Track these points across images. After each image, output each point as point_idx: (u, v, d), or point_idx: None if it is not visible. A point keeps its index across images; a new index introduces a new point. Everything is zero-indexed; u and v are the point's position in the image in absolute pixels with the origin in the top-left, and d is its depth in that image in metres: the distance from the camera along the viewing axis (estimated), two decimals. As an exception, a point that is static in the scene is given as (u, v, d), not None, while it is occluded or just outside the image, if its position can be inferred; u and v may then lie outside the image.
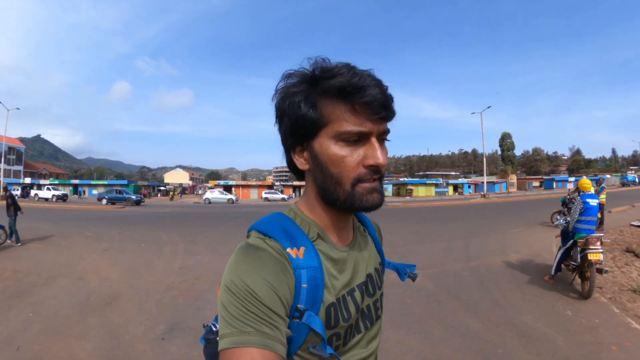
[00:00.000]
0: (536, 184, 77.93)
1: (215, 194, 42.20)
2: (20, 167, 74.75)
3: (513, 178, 72.26)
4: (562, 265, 5.95)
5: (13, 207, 9.85)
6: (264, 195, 49.52)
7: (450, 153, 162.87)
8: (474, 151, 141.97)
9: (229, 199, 40.55)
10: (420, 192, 64.33)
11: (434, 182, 69.83)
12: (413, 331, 4.08)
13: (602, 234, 5.61)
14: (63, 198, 37.57)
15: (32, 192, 39.85)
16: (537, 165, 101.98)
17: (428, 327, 4.22)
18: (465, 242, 9.83)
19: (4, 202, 11.25)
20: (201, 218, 18.58)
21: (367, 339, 0.76)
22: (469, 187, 68.98)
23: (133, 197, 33.38)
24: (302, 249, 0.67)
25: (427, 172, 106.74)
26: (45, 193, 38.19)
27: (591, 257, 5.11)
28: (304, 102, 0.66)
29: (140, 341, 3.86)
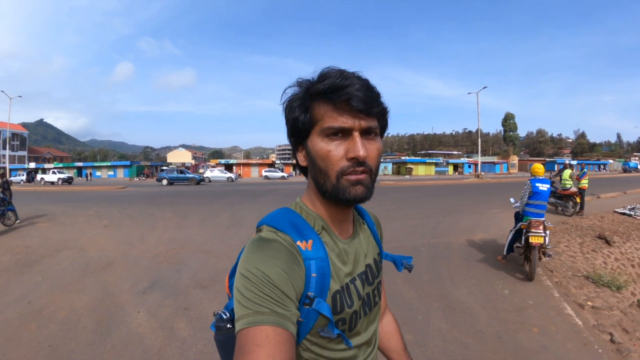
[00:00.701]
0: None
1: (215, 173, 43.20)
2: (25, 153, 76.46)
3: (514, 159, 72.32)
4: (515, 247, 6.00)
5: (8, 192, 10.84)
6: (263, 174, 50.52)
7: (454, 132, 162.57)
8: (479, 130, 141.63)
9: (228, 178, 41.53)
10: (420, 171, 64.99)
11: (434, 161, 70.28)
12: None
13: (543, 218, 5.61)
14: (68, 181, 38.92)
15: (38, 177, 41.17)
16: (540, 147, 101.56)
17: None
18: (439, 220, 10.38)
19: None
20: (197, 196, 19.61)
21: (367, 323, 0.84)
22: (469, 166, 69.38)
23: (196, 176, 34.91)
24: (310, 241, 0.73)
25: (429, 152, 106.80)
26: (50, 177, 39.49)
27: (532, 240, 5.22)
28: (298, 106, 0.75)
29: (125, 294, 4.90)
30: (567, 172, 11.79)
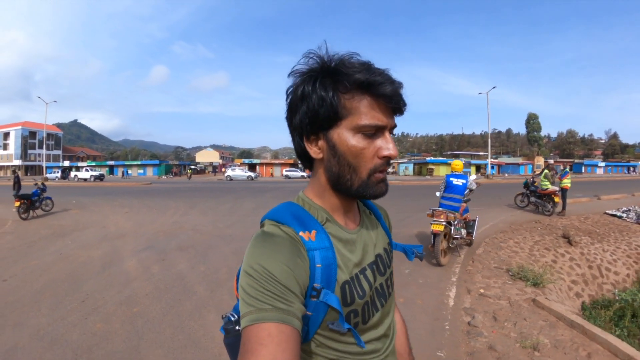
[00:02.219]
0: (565, 167, 76.14)
1: (236, 172, 45.57)
2: (59, 152, 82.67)
3: (539, 160, 71.31)
4: None
5: (17, 185, 13.26)
6: (284, 173, 52.65)
7: (483, 133, 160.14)
8: (509, 131, 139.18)
9: (248, 176, 43.79)
10: (442, 171, 65.15)
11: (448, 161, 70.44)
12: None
13: (441, 209, 6.01)
14: (100, 178, 42.39)
15: (72, 174, 44.96)
16: (570, 148, 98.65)
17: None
18: (408, 215, 10.97)
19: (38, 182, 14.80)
20: (211, 191, 21.77)
21: (383, 315, 0.83)
22: (493, 167, 69.10)
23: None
24: (313, 232, 0.72)
25: (456, 152, 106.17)
26: (83, 174, 43.11)
27: (433, 227, 5.68)
28: (327, 92, 0.70)
29: (126, 252, 6.88)
30: (544, 173, 11.90)
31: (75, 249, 7.10)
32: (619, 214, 11.09)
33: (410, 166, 69.84)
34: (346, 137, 0.72)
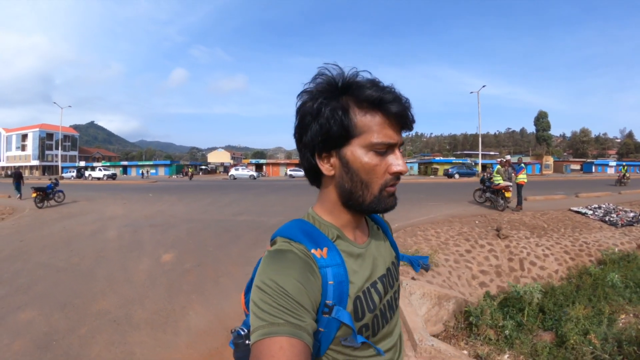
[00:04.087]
0: (576, 166, 75.84)
1: (239, 171, 48.07)
2: (76, 152, 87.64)
3: (549, 160, 71.33)
4: None
5: (17, 178, 17.23)
6: (288, 173, 54.87)
7: (497, 132, 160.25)
8: (523, 130, 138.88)
9: (250, 176, 46.21)
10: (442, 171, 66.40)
11: (460, 161, 71.40)
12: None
13: None
14: (112, 177, 45.65)
15: (87, 173, 48.31)
16: (583, 147, 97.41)
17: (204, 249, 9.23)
18: None
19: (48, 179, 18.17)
20: (206, 188, 24.09)
21: (391, 327, 0.86)
22: (513, 169, 69.40)
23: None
24: (325, 249, 0.75)
25: (466, 152, 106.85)
26: (97, 173, 46.45)
27: None
28: (338, 110, 0.74)
29: (114, 226, 9.34)
30: (496, 168, 12.18)
31: (76, 225, 9.60)
32: (583, 210, 11.01)
33: (415, 166, 71.14)
34: (359, 154, 0.75)
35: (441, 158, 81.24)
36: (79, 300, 4.50)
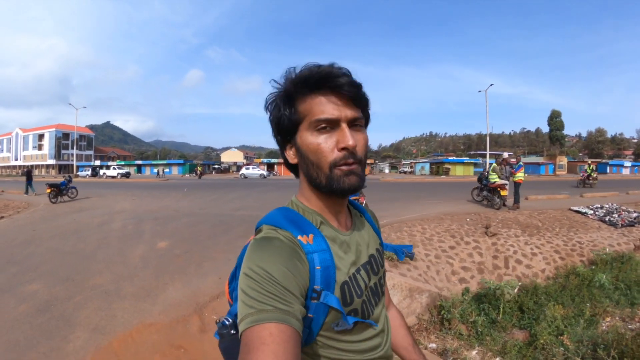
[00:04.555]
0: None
1: (250, 170, 48.90)
2: (91, 152, 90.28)
3: (562, 160, 70.32)
4: None
5: (29, 177, 18.65)
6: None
7: (512, 132, 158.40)
8: (538, 130, 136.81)
9: (260, 174, 47.01)
10: (458, 171, 65.73)
11: (472, 161, 70.93)
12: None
13: None
14: (126, 175, 47.01)
15: (101, 172, 49.78)
16: (599, 147, 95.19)
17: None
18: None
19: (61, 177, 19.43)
20: (214, 186, 24.91)
21: (378, 312, 0.89)
22: (511, 167, 68.85)
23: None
24: (310, 235, 0.76)
25: (479, 152, 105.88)
26: (111, 172, 47.89)
27: None
28: (282, 103, 0.80)
29: (120, 218, 10.08)
30: (492, 166, 12.07)
31: (85, 218, 10.37)
32: (584, 210, 10.70)
33: (427, 166, 70.85)
34: (305, 137, 0.78)
35: (454, 158, 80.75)
36: (79, 276, 5.18)
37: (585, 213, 10.40)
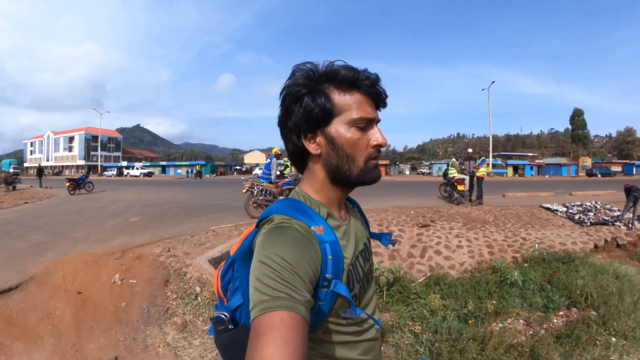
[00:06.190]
0: (617, 168, 72.20)
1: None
2: (119, 153, 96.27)
3: (586, 161, 68.77)
4: None
5: (40, 174, 22.65)
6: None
7: (540, 132, 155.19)
8: (567, 131, 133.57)
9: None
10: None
11: (492, 162, 70.43)
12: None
13: (251, 180, 9.66)
14: (149, 175, 50.84)
15: (125, 172, 53.88)
16: (628, 148, 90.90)
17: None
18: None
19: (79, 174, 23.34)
20: (216, 184, 27.18)
21: (370, 295, 0.96)
22: (531, 168, 68.13)
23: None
24: (321, 226, 0.80)
25: (503, 153, 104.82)
26: (135, 172, 51.94)
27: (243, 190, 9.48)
28: (318, 93, 0.83)
29: (116, 205, 12.63)
30: (451, 161, 12.33)
31: (90, 204, 13.05)
32: (554, 207, 10.40)
33: (444, 166, 70.75)
34: (343, 131, 0.83)
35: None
36: (66, 233, 7.71)
37: (556, 210, 10.07)
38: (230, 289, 0.89)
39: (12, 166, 60.29)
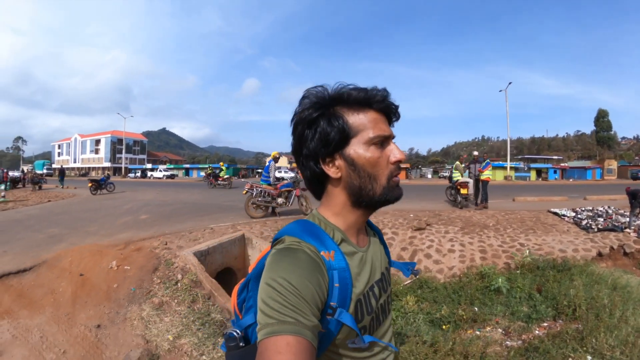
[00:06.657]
0: None
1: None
2: (144, 156, 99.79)
3: (612, 164, 66.84)
4: None
5: (62, 174, 24.08)
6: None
7: (566, 135, 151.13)
8: (593, 133, 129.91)
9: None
10: (498, 176, 64.35)
11: (514, 165, 69.29)
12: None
13: (251, 182, 9.95)
14: (171, 177, 52.50)
15: (149, 174, 55.76)
16: None
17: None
18: None
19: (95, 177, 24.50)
20: (235, 186, 28.20)
21: (385, 329, 0.93)
22: (555, 172, 66.75)
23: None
24: (332, 252, 0.78)
25: (528, 156, 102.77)
26: (158, 174, 53.74)
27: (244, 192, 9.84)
28: (332, 116, 0.82)
29: (131, 204, 13.48)
30: (455, 164, 12.20)
31: (109, 203, 13.97)
32: (562, 212, 9.94)
33: (466, 172, 70.05)
34: (362, 151, 0.81)
35: (500, 162, 79.20)
36: (81, 227, 8.50)
37: (563, 215, 9.57)
38: (245, 307, 0.90)
39: (45, 167, 63.51)
